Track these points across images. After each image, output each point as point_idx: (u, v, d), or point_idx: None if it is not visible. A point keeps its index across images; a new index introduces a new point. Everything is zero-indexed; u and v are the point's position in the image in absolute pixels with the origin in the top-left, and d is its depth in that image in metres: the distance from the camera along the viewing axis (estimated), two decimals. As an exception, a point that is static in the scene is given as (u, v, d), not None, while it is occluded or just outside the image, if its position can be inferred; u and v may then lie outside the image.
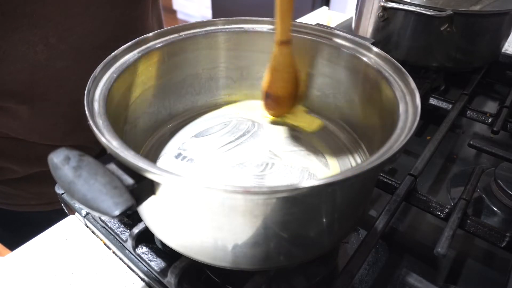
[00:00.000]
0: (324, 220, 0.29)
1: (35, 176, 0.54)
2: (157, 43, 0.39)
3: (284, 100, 0.44)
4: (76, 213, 0.42)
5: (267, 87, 0.43)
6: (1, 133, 0.49)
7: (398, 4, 0.58)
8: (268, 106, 0.45)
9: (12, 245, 0.39)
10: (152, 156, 0.41)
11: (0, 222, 0.59)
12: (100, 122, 0.28)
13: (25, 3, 0.41)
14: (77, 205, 0.41)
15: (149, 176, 0.23)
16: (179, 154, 0.41)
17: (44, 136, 0.50)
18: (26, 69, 0.44)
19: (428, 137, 0.57)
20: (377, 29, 0.63)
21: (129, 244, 0.36)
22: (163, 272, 0.34)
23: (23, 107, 0.46)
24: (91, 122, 0.27)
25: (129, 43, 0.37)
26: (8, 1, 0.39)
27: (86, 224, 0.41)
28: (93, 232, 0.41)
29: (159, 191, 0.26)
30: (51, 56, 0.44)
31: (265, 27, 0.44)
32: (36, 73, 0.45)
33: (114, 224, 0.39)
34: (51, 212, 0.42)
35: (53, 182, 0.43)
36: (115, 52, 0.35)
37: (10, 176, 0.53)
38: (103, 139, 0.25)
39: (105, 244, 0.39)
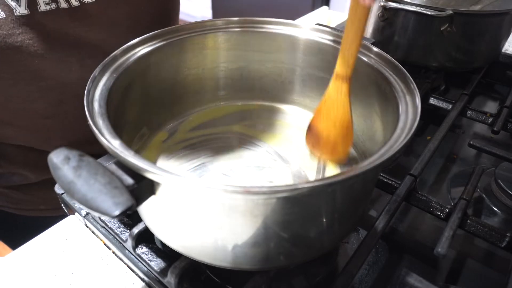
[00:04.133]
0: (324, 220, 0.29)
1: (47, 182, 0.54)
2: (157, 42, 0.39)
3: (324, 142, 0.38)
4: (76, 213, 0.41)
5: (313, 117, 0.39)
6: (16, 142, 0.49)
7: (398, 4, 0.58)
8: (308, 139, 0.40)
9: (15, 246, 0.40)
10: (152, 156, 0.41)
11: (6, 224, 0.60)
12: (100, 122, 0.28)
13: (68, 26, 0.42)
14: (77, 205, 0.41)
15: (149, 176, 0.23)
16: (179, 154, 0.41)
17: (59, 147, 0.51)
18: (57, 88, 0.45)
19: (428, 137, 0.57)
20: (377, 29, 0.63)
21: (129, 244, 0.36)
22: (163, 272, 0.34)
23: (47, 121, 0.47)
24: (91, 122, 0.27)
25: (129, 44, 0.37)
26: (52, 22, 0.41)
27: (86, 224, 0.41)
28: (93, 232, 0.41)
29: (159, 191, 0.26)
30: (84, 77, 0.45)
31: (265, 27, 0.44)
32: (66, 92, 0.46)
33: (114, 224, 0.39)
34: (57, 218, 0.43)
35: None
36: (115, 52, 0.35)
37: (22, 182, 0.54)
38: (103, 139, 0.25)
39: (105, 244, 0.39)
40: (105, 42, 0.46)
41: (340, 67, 0.34)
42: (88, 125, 0.27)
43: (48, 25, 0.41)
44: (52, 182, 0.56)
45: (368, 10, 0.31)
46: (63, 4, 0.41)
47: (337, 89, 0.35)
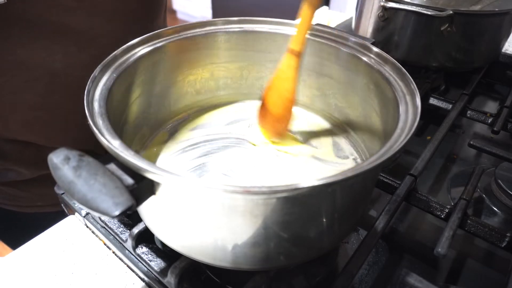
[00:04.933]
0: (324, 220, 0.29)
1: (42, 178, 0.54)
2: (157, 43, 0.39)
3: (269, 113, 0.41)
4: (76, 213, 0.42)
5: (265, 90, 0.41)
6: (9, 136, 0.49)
7: (398, 4, 0.58)
8: (258, 113, 0.42)
9: (16, 245, 0.40)
10: (152, 156, 0.41)
11: (6, 223, 0.59)
12: (100, 122, 0.28)
13: (50, 12, 0.41)
14: (77, 205, 0.41)
15: (149, 176, 0.23)
16: (179, 154, 0.41)
17: (54, 141, 0.51)
18: (44, 77, 0.44)
19: (428, 137, 0.57)
20: (377, 29, 0.63)
21: (129, 244, 0.36)
22: (163, 272, 0.34)
23: (38, 114, 0.47)
24: (91, 122, 0.27)
25: (129, 43, 0.37)
26: (33, 8, 0.40)
27: (86, 224, 0.41)
28: (93, 232, 0.41)
29: (159, 191, 0.26)
30: (70, 65, 0.45)
31: (265, 27, 0.44)
32: (53, 82, 0.45)
33: (114, 224, 0.39)
34: (56, 213, 0.43)
35: (58, 184, 0.43)
36: (115, 52, 0.35)
37: (17, 178, 0.54)
38: (103, 139, 0.25)
39: (105, 244, 0.39)
40: (89, 28, 0.45)
41: (292, 42, 0.38)
42: (88, 124, 0.27)
43: (28, 12, 0.40)
44: (48, 178, 0.56)
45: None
46: None
47: (287, 63, 0.38)
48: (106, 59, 0.34)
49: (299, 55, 0.38)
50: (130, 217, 0.40)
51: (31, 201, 0.57)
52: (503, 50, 0.68)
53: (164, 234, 0.32)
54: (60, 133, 0.51)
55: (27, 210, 0.57)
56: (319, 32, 0.42)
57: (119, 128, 0.34)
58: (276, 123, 0.41)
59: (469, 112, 0.57)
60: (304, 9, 0.36)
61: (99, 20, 0.45)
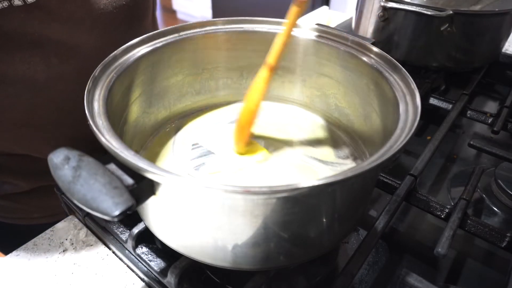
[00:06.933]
0: (324, 220, 0.29)
1: (39, 190, 0.53)
2: (157, 43, 0.39)
3: (236, 125, 0.40)
4: (76, 213, 0.42)
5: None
6: (3, 151, 0.49)
7: (398, 4, 0.58)
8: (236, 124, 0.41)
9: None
10: (152, 156, 0.41)
11: (3, 235, 0.59)
12: (100, 122, 0.28)
13: (26, 23, 0.40)
14: (76, 205, 0.41)
15: (149, 176, 0.23)
16: (179, 154, 0.41)
17: (45, 154, 0.50)
18: (26, 92, 0.43)
19: (428, 137, 0.57)
20: (377, 29, 0.63)
21: (129, 244, 0.36)
22: (163, 272, 0.34)
23: (24, 130, 0.46)
24: (91, 122, 0.27)
25: (129, 43, 0.37)
26: (9, 20, 0.39)
27: (86, 224, 0.41)
28: (93, 232, 0.41)
29: (159, 191, 0.26)
30: (52, 77, 0.43)
31: (265, 27, 0.44)
32: (36, 96, 0.44)
33: (114, 224, 0.39)
34: (52, 224, 0.42)
35: (57, 195, 0.42)
36: (115, 52, 0.35)
37: (13, 191, 0.53)
38: (103, 139, 0.25)
39: (105, 244, 0.39)
40: (70, 38, 0.43)
41: (268, 54, 0.37)
42: (88, 125, 0.27)
43: (3, 25, 0.38)
44: (45, 189, 0.55)
45: (301, 8, 0.35)
46: (17, 1, 0.38)
47: (259, 73, 0.38)
48: (106, 59, 0.34)
49: (269, 67, 0.37)
50: (130, 217, 0.40)
51: (27, 213, 0.55)
52: (503, 50, 0.68)
53: (164, 234, 0.32)
54: (52, 147, 0.50)
55: (23, 222, 0.56)
56: (319, 32, 0.42)
57: (119, 128, 0.34)
58: (238, 132, 0.40)
59: (469, 112, 0.57)
60: (290, 13, 0.35)
61: (80, 30, 0.44)
